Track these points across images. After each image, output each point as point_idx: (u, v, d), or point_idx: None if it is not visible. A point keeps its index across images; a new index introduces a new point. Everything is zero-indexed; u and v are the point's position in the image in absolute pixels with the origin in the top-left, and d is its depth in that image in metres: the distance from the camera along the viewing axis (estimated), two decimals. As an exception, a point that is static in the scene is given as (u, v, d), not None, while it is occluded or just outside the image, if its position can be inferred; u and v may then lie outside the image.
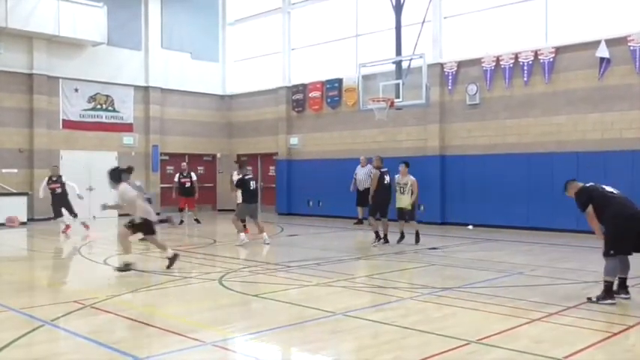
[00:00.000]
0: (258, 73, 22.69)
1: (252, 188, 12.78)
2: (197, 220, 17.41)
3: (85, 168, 19.53)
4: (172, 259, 9.52)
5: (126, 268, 9.13)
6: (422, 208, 13.51)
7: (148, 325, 6.20)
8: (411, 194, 12.39)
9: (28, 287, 8.92)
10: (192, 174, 17.84)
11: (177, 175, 18.13)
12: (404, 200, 12.44)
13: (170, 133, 21.89)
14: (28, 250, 13.46)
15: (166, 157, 21.84)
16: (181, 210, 17.86)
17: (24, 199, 17.51)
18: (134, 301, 7.58)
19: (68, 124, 19.64)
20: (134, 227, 9.57)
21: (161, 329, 5.98)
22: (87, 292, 7.82)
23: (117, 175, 9.87)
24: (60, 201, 15.27)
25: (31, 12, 18.08)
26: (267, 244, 12.54)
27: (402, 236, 12.54)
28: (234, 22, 23.46)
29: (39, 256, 12.42)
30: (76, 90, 19.81)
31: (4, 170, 18.13)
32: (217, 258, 11.11)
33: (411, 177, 12.51)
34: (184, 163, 19.34)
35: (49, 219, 16.87)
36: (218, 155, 23.31)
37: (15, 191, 17.73)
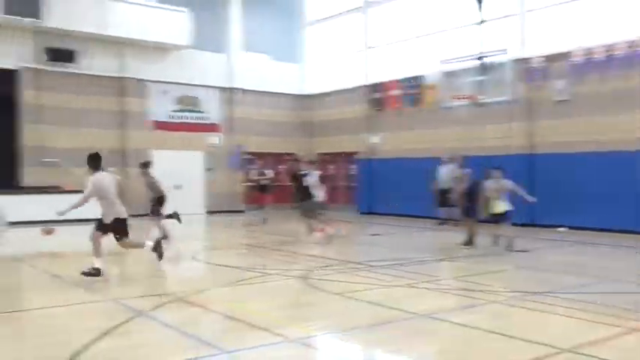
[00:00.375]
0: (337, 72, 22.79)
1: (305, 185, 12.81)
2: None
3: (172, 167, 20.33)
4: (156, 246, 9.14)
5: (94, 272, 8.47)
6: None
7: (234, 319, 6.37)
8: (506, 199, 11.67)
9: (123, 280, 9.40)
10: (268, 172, 18.16)
11: (252, 173, 18.55)
12: (499, 206, 11.65)
13: (252, 133, 22.39)
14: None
15: (249, 157, 22.35)
16: (260, 208, 18.17)
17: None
18: (221, 296, 7.81)
19: (157, 125, 20.54)
20: (104, 228, 8.69)
21: (246, 323, 6.12)
22: (177, 286, 8.15)
23: (96, 162, 8.72)
24: None
25: (122, 19, 19.05)
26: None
27: (496, 240, 11.90)
28: (314, 23, 23.69)
29: (132, 251, 13.00)
30: (165, 92, 20.68)
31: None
32: (300, 256, 11.23)
33: (507, 181, 11.77)
34: (260, 162, 19.73)
35: (142, 215, 17.65)
36: (299, 154, 23.58)
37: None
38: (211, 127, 21.72)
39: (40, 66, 18.28)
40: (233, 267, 9.78)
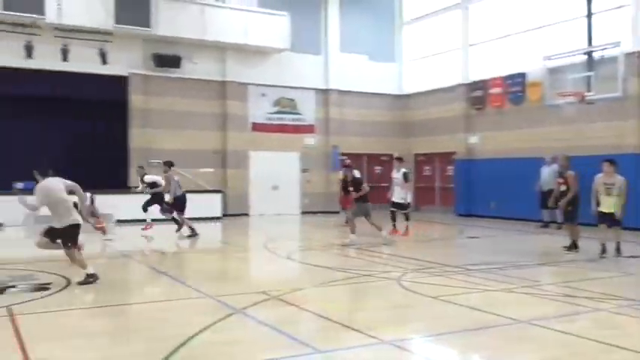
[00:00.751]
0: (435, 71, 22.38)
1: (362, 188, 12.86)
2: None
3: (269, 168, 20.87)
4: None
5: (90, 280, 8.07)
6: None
7: (328, 319, 6.39)
8: (619, 196, 10.66)
9: (221, 277, 9.73)
10: (356, 172, 17.83)
11: (340, 173, 18.39)
12: (611, 203, 10.66)
13: (348, 134, 22.45)
14: (221, 242, 14.67)
15: (345, 157, 22.39)
16: (344, 209, 18.06)
17: (218, 196, 19.14)
18: (316, 296, 7.87)
19: (256, 127, 21.12)
20: (52, 234, 8.12)
21: (339, 324, 6.14)
22: (273, 284, 8.31)
23: (44, 168, 8.29)
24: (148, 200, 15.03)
25: (224, 24, 19.73)
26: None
27: (603, 244, 10.76)
28: (411, 22, 23.42)
29: (231, 249, 13.48)
30: (263, 95, 21.22)
31: (201, 170, 19.96)
32: (395, 257, 11.13)
33: (619, 176, 10.77)
34: (348, 161, 19.32)
35: (241, 214, 18.26)
36: (395, 155, 23.36)
37: (211, 189, 19.43)
38: (307, 129, 22.03)
39: (148, 72, 19.35)
40: (326, 267, 9.84)
